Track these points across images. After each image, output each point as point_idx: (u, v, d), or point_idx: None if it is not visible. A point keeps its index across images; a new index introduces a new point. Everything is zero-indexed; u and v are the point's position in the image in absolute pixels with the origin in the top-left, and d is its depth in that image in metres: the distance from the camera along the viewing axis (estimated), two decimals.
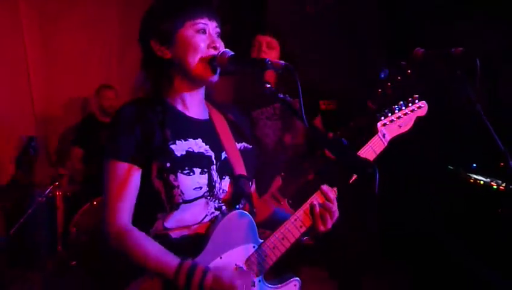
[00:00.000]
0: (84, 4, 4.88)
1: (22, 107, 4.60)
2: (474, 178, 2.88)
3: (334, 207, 1.64)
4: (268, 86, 1.57)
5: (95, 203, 3.74)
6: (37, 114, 4.71)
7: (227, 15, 4.15)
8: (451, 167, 2.91)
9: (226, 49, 1.61)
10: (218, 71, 1.62)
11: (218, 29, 1.64)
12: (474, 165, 2.99)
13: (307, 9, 4.09)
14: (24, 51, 4.62)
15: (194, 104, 1.66)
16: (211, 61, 1.59)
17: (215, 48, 1.59)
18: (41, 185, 4.03)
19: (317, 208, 1.64)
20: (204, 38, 1.60)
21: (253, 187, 1.80)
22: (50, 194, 3.83)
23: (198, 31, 1.59)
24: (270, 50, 2.82)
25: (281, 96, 1.54)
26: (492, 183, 2.81)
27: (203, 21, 1.60)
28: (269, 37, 2.84)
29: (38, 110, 4.72)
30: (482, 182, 2.82)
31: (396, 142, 2.58)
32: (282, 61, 1.51)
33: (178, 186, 1.52)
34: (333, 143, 1.39)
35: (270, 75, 2.74)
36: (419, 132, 2.29)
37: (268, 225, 1.74)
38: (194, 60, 1.58)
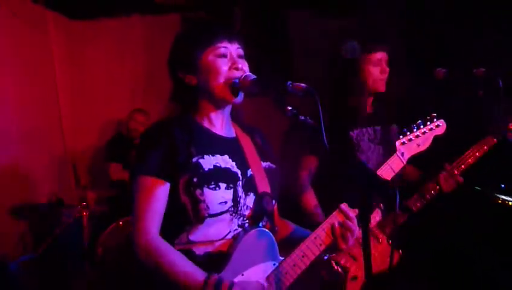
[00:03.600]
0: (111, 29, 5.06)
1: (50, 129, 4.75)
2: (503, 199, 2.84)
3: (354, 225, 1.70)
4: (290, 108, 1.61)
5: (121, 223, 3.83)
6: (65, 137, 4.86)
7: (249, 38, 4.23)
8: (478, 188, 2.88)
9: (248, 73, 1.68)
10: (241, 94, 1.68)
11: (240, 51, 1.71)
12: (503, 185, 2.95)
13: (328, 28, 4.14)
14: (53, 75, 4.80)
15: (219, 123, 1.75)
16: (232, 86, 1.65)
17: (237, 68, 1.66)
18: (69, 205, 4.14)
19: (338, 228, 1.70)
20: (225, 61, 1.68)
21: (276, 206, 1.85)
22: (77, 215, 3.93)
23: (219, 56, 1.67)
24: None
25: (302, 118, 1.58)
26: None
27: (223, 45, 1.68)
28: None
29: (67, 133, 4.87)
30: (511, 203, 2.78)
31: (421, 164, 2.58)
32: (303, 84, 1.55)
33: (204, 201, 1.59)
34: (353, 163, 1.42)
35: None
36: (444, 152, 2.29)
37: (288, 243, 1.78)
38: (217, 83, 1.66)
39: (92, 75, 5.02)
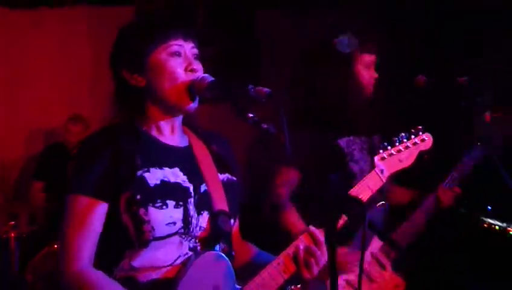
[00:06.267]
0: (52, 24, 4.98)
1: None
2: (489, 222, 2.91)
3: (321, 251, 1.67)
4: (251, 115, 1.61)
5: (55, 246, 3.72)
6: None
7: (212, 35, 4.24)
8: (463, 210, 2.95)
9: (206, 74, 1.67)
10: (197, 99, 1.67)
11: (195, 50, 1.69)
12: (489, 207, 3.03)
13: (299, 28, 4.19)
14: None
15: (169, 130, 1.71)
16: (189, 88, 1.63)
17: (192, 70, 1.64)
18: None
19: (301, 253, 1.68)
20: (180, 61, 1.65)
21: (236, 226, 1.83)
22: (4, 236, 3.80)
23: (172, 54, 1.64)
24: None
25: (265, 126, 1.58)
26: (509, 228, 2.84)
27: (177, 42, 1.65)
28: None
29: None
30: (497, 227, 2.86)
31: (402, 182, 2.61)
32: (266, 89, 1.56)
33: (148, 222, 1.55)
34: (319, 179, 1.42)
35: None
36: (426, 170, 2.33)
37: (249, 270, 1.76)
38: (170, 86, 1.63)
39: (29, 73, 4.91)
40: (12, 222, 3.84)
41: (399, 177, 2.28)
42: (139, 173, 1.59)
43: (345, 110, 2.49)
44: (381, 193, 2.38)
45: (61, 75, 5.05)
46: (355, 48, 2.44)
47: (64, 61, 5.07)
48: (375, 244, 2.51)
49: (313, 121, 2.47)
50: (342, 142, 2.49)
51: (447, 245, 3.49)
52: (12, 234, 3.83)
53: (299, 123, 2.43)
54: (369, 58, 2.50)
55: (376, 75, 2.51)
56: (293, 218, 2.39)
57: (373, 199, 2.19)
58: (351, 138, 2.53)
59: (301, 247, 1.69)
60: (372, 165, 2.11)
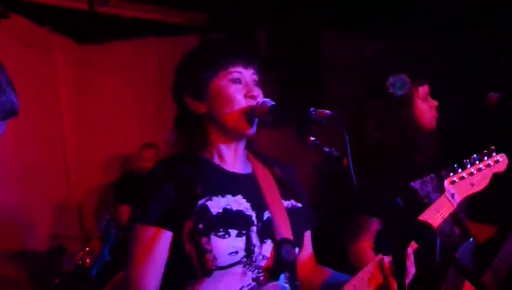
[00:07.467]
0: (122, 53, 5.18)
1: (53, 166, 4.82)
2: None
3: (409, 262, 1.60)
4: (313, 138, 1.59)
5: None
6: (70, 174, 4.93)
7: (275, 63, 4.26)
8: None
9: (266, 99, 1.67)
10: (256, 122, 1.66)
11: (255, 77, 1.70)
12: None
13: (363, 51, 4.15)
14: (59, 105, 4.92)
15: (233, 158, 1.71)
16: (249, 113, 1.64)
17: (252, 96, 1.65)
18: (70, 251, 4.17)
19: (388, 263, 1.62)
20: (239, 88, 1.66)
21: (307, 252, 1.79)
22: (80, 262, 3.93)
23: (232, 81, 1.66)
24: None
25: (327, 150, 1.55)
26: None
27: (237, 69, 1.67)
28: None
29: (72, 170, 4.94)
30: None
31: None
32: (327, 111, 1.53)
33: (211, 251, 1.55)
34: (387, 205, 1.37)
35: None
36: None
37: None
38: (230, 112, 1.65)
39: (101, 105, 5.12)
40: (88, 248, 3.98)
41: (473, 213, 2.10)
42: (201, 201, 1.59)
43: (413, 152, 2.35)
44: (462, 228, 2.20)
45: (131, 105, 5.23)
46: (409, 87, 2.35)
47: (134, 90, 5.24)
48: None
49: (381, 168, 2.31)
50: (416, 185, 2.33)
51: None
52: (88, 260, 3.96)
53: (366, 169, 2.15)
54: (423, 89, 2.41)
55: (435, 102, 2.41)
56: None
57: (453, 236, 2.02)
58: (423, 179, 2.35)
59: (386, 258, 1.64)
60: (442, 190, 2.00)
